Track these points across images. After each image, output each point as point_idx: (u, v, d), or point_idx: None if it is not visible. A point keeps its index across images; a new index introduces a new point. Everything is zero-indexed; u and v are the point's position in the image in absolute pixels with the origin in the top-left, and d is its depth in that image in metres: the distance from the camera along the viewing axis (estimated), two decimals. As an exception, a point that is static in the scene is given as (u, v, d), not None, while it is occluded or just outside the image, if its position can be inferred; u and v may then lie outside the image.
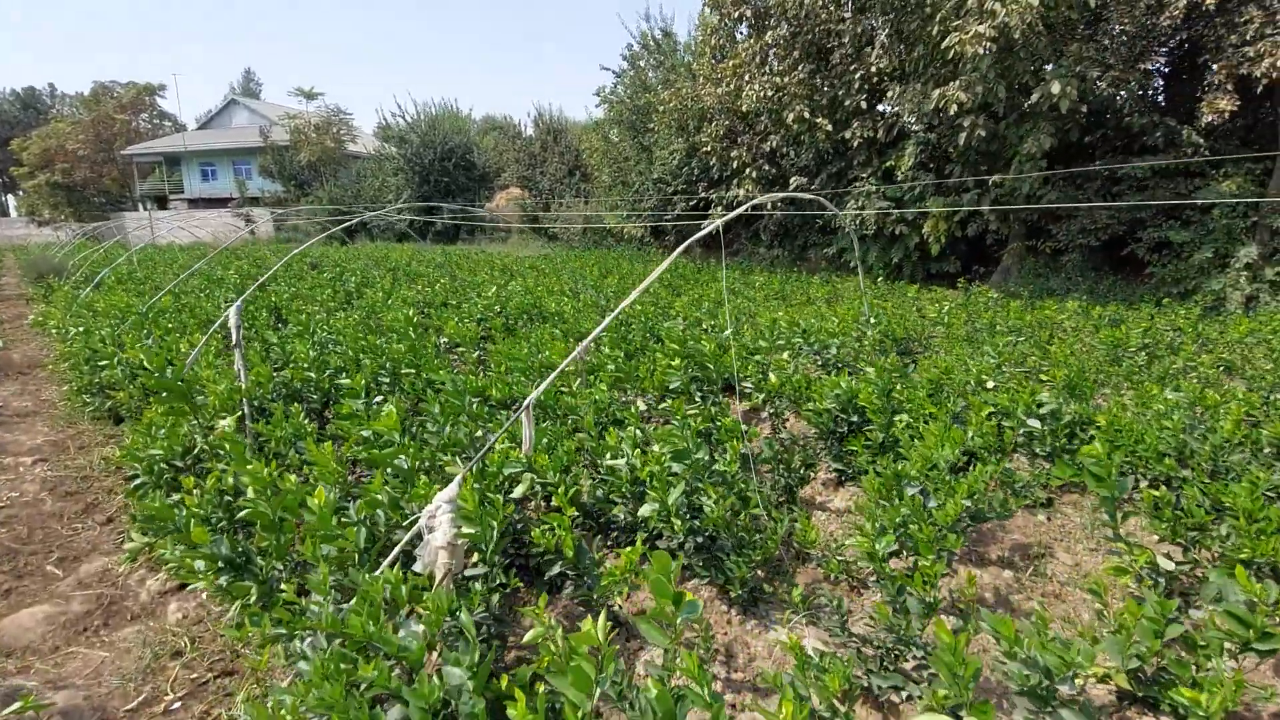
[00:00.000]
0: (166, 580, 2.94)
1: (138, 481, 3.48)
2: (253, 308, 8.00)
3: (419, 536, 2.39)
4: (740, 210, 4.26)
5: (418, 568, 2.38)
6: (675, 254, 3.75)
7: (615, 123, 21.14)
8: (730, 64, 13.96)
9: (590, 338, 3.15)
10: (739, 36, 15.25)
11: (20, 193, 43.37)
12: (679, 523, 2.69)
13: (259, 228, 36.23)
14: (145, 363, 3.52)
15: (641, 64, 20.95)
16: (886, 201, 13.33)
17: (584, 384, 4.31)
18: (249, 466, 2.64)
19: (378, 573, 2.29)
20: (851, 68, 12.98)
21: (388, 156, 31.43)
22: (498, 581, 2.53)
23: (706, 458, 3.12)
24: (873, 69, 12.54)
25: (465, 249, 25.76)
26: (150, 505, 2.73)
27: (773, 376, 4.78)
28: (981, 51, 8.87)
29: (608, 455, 3.27)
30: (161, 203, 42.69)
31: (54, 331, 8.15)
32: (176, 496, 3.31)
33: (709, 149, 15.25)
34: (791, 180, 14.65)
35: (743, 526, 2.95)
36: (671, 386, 4.42)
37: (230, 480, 3.09)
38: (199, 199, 40.69)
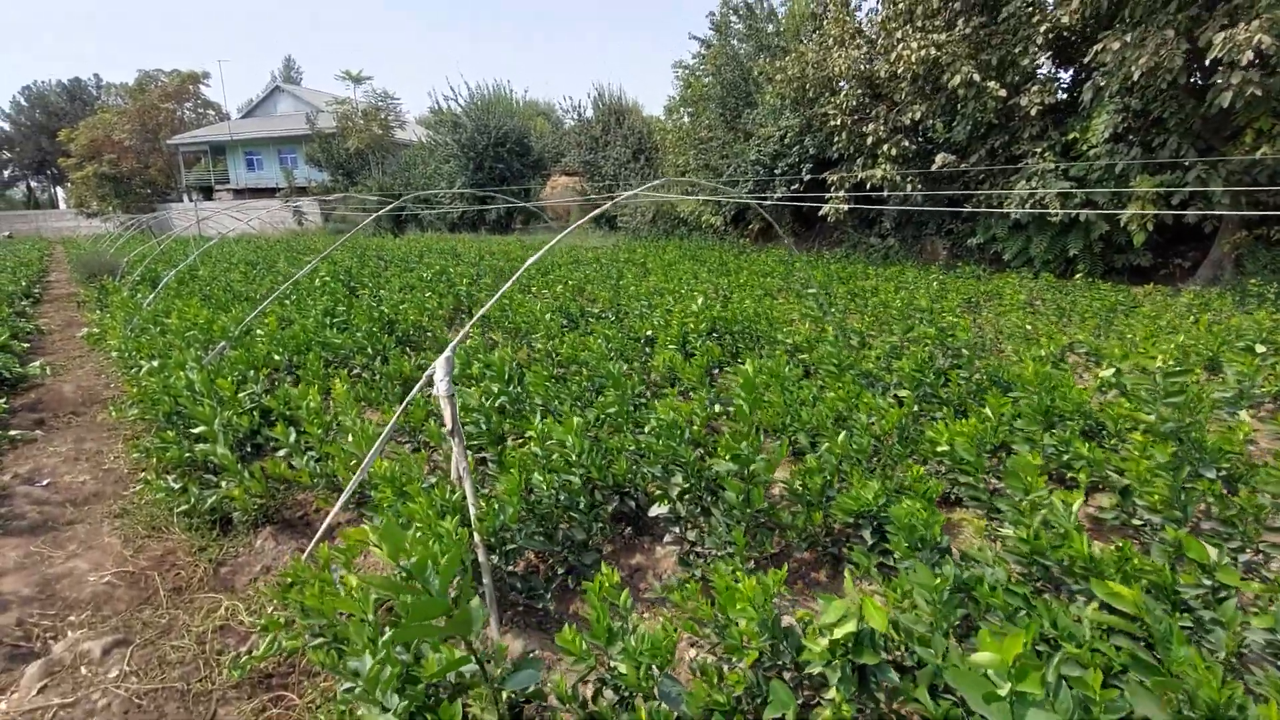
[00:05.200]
0: None
1: None
2: (368, 326, 5.98)
3: None
4: None
5: None
6: None
7: (700, 99, 18.80)
8: (879, 18, 11.61)
9: None
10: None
11: (68, 184, 42.24)
12: None
13: (307, 219, 34.63)
14: (380, 549, 1.47)
15: (727, 34, 18.57)
16: (1068, 181, 10.94)
17: None
18: None
19: None
20: (1033, 20, 10.57)
21: (440, 143, 29.39)
22: None
23: None
24: (1062, 19, 10.13)
25: (526, 240, 23.76)
26: None
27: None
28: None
29: None
30: (207, 193, 41.25)
31: (114, 354, 6.25)
32: None
33: (837, 123, 12.91)
34: (938, 158, 12.29)
35: None
36: None
37: None
38: (245, 189, 39.14)
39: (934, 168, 12.36)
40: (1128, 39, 8.76)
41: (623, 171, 25.45)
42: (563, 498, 2.63)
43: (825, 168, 14.97)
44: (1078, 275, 9.90)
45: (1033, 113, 10.79)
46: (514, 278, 3.08)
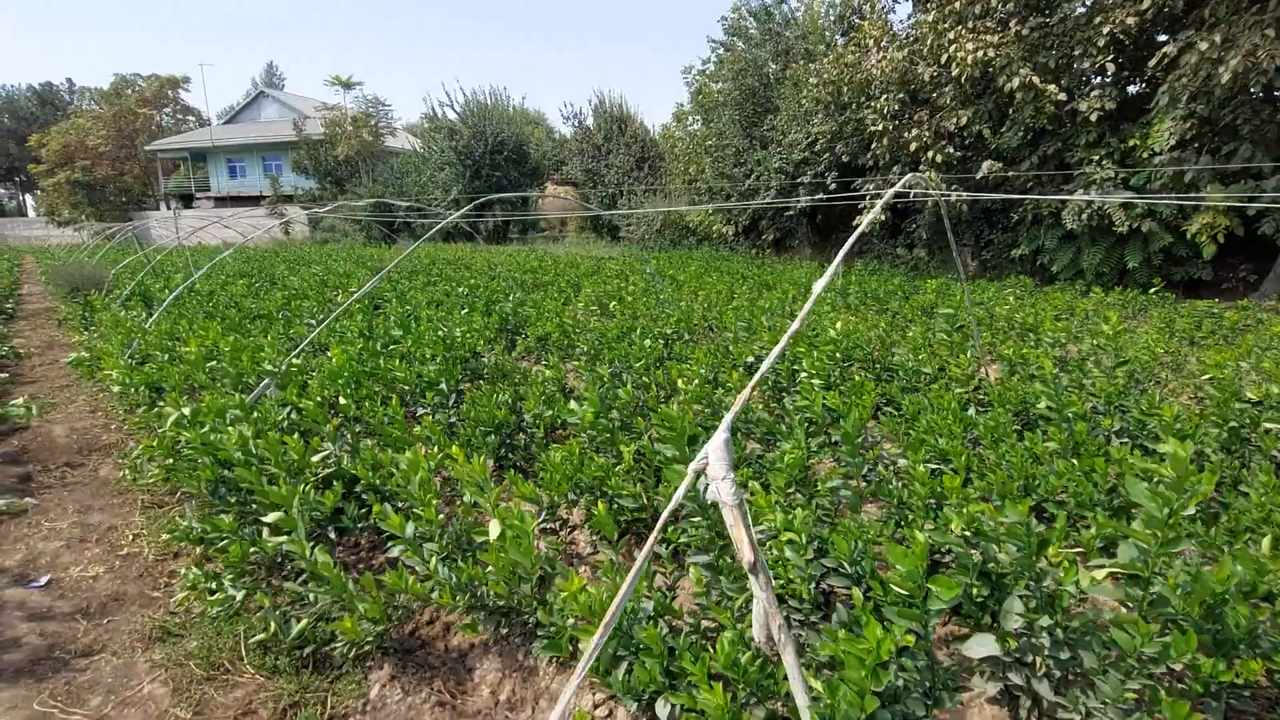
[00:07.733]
0: None
1: None
2: (443, 354, 4.98)
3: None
4: None
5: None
6: None
7: (717, 105, 18.03)
8: (927, 19, 10.93)
9: None
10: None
11: (39, 191, 40.08)
12: None
13: (294, 227, 33.19)
14: None
15: (744, 38, 17.83)
16: (1128, 190, 10.33)
17: None
18: None
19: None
20: (1095, 20, 9.95)
21: (435, 150, 28.25)
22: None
23: None
24: (1127, 19, 9.53)
25: (529, 249, 22.75)
26: None
27: None
28: None
29: None
30: (187, 201, 39.45)
31: (115, 389, 5.15)
32: None
33: (879, 129, 12.20)
34: (984, 165, 11.62)
35: None
36: None
37: None
38: (227, 197, 37.47)
39: (979, 175, 11.68)
40: (1216, 39, 8.13)
41: (626, 180, 24.62)
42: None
43: (854, 175, 14.27)
44: (1153, 290, 9.21)
45: (1092, 118, 10.16)
46: (808, 302, 2.14)
